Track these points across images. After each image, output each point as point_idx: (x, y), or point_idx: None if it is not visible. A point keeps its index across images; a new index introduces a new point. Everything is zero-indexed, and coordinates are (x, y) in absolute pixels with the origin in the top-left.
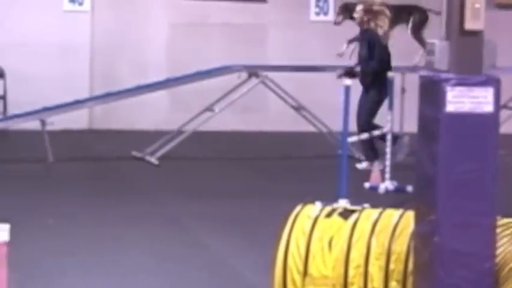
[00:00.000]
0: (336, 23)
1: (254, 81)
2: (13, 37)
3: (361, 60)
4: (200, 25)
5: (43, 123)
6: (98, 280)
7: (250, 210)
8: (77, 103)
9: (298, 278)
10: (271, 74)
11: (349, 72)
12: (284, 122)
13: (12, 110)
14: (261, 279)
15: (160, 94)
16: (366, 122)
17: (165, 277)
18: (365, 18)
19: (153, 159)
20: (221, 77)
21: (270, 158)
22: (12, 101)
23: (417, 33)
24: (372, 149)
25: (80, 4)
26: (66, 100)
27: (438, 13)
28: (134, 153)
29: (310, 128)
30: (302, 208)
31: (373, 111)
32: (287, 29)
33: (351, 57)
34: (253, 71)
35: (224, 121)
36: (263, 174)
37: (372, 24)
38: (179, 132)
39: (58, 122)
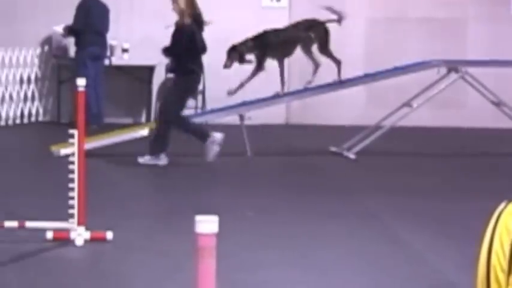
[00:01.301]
0: (226, 67)
1: (453, 76)
2: (212, 33)
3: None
4: (399, 20)
5: (241, 117)
6: (297, 274)
7: (448, 206)
8: (274, 98)
9: (502, 277)
10: (470, 69)
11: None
12: (483, 118)
13: (211, 105)
14: (461, 277)
15: (358, 89)
16: (175, 116)
17: (363, 273)
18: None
19: (351, 155)
20: (419, 72)
21: (469, 155)
22: (211, 95)
23: (325, 48)
24: (163, 142)
25: (278, 0)
26: (264, 95)
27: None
28: (332, 148)
29: (511, 125)
30: (506, 205)
31: (176, 104)
32: (487, 23)
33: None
34: (452, 66)
35: (422, 117)
36: (461, 171)
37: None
38: (377, 127)
39: (256, 117)
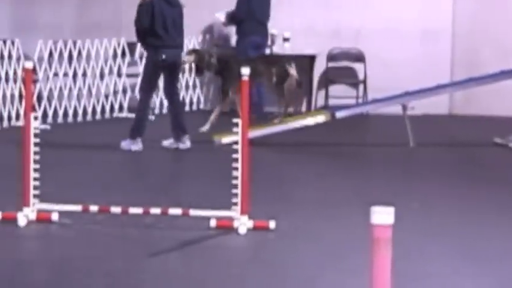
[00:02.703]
0: (184, 63)
1: None
2: (374, 22)
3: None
4: None
5: (404, 108)
6: (461, 267)
7: None
8: (438, 88)
9: None
10: None
11: None
12: None
13: (372, 95)
14: None
15: None
16: (141, 93)
17: None
18: None
19: None
20: None
21: None
22: (373, 85)
23: (278, 86)
24: (140, 125)
25: None
26: (426, 85)
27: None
28: (496, 139)
29: None
30: None
31: (146, 82)
32: None
33: None
34: None
35: None
36: None
37: None
38: None
39: (418, 107)
